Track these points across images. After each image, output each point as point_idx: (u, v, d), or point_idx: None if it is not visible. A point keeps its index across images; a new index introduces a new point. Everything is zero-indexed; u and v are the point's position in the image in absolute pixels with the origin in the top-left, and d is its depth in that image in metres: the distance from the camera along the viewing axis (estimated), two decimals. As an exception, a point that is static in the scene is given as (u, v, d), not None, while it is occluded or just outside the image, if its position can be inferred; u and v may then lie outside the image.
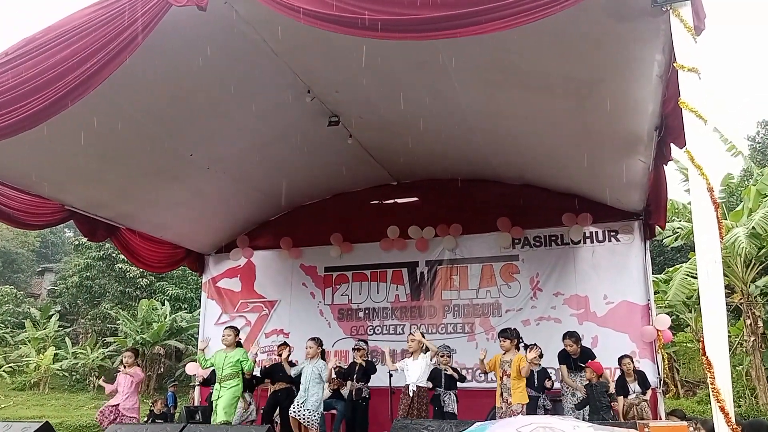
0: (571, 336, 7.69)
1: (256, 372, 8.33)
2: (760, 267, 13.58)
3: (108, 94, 6.08)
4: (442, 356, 7.70)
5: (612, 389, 7.50)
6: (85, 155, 7.26)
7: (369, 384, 8.00)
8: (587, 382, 7.29)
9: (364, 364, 7.93)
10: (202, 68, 6.16)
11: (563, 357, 7.70)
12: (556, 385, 8.04)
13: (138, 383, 8.25)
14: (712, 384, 3.66)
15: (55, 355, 19.84)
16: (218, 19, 5.41)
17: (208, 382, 8.18)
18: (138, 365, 8.65)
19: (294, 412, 7.19)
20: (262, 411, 8.27)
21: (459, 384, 7.60)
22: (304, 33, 5.27)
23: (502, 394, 6.52)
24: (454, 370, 7.63)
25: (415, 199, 10.40)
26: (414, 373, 7.12)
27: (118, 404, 7.98)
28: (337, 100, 7.31)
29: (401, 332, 9.77)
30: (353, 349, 8.37)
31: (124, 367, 8.30)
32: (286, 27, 5.31)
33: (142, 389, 19.18)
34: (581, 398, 7.28)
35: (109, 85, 5.82)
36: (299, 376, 7.45)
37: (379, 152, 9.12)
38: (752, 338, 13.13)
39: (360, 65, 6.32)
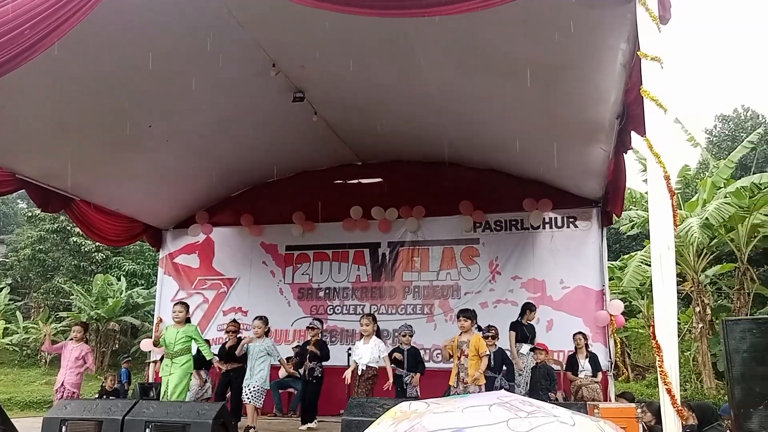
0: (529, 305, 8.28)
1: (215, 350, 8.26)
2: (711, 257, 14.06)
3: (64, 61, 5.85)
4: (404, 336, 7.74)
5: (556, 372, 7.72)
6: (39, 123, 7.00)
7: (324, 363, 7.98)
8: (534, 364, 7.46)
9: (314, 348, 7.88)
10: (164, 37, 5.98)
11: (515, 324, 8.05)
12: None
13: (90, 358, 8.06)
14: (660, 367, 3.76)
15: (5, 329, 19.27)
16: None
17: None
18: (86, 340, 8.44)
19: (245, 396, 7.28)
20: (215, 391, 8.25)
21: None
22: (271, 4, 5.16)
23: (458, 374, 6.57)
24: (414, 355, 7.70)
25: (380, 179, 10.37)
26: (364, 355, 7.11)
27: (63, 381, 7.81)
28: (302, 75, 7.18)
29: (361, 312, 9.77)
30: (307, 327, 8.31)
31: (72, 341, 8.10)
32: (252, -2, 5.18)
33: (96, 365, 18.86)
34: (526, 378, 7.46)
35: (66, 50, 5.60)
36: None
37: (345, 131, 9.04)
38: (700, 325, 13.61)
39: (327, 41, 6.23)
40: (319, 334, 8.15)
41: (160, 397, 6.89)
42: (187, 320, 7.36)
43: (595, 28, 4.94)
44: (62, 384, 7.78)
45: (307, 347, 7.97)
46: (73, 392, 7.73)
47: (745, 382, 3.72)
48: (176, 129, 8.04)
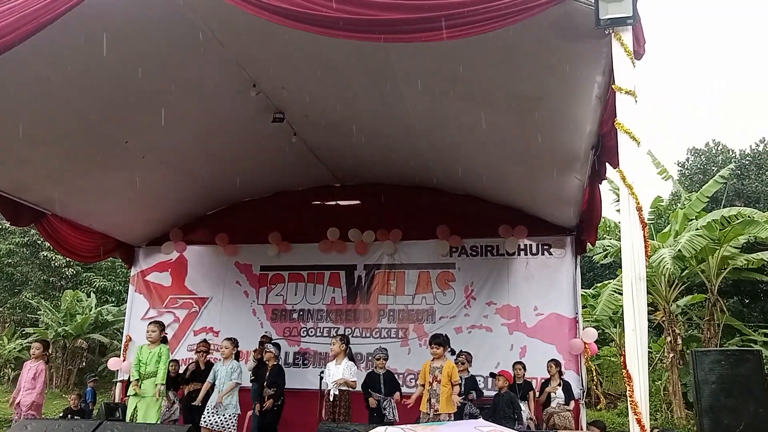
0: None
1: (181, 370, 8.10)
2: (683, 287, 14.26)
3: (39, 73, 5.81)
4: (378, 359, 7.67)
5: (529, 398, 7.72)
6: (10, 134, 6.87)
7: (287, 386, 7.84)
8: (497, 391, 7.44)
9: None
10: (144, 52, 5.96)
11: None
12: (488, 393, 8.17)
13: (41, 377, 7.67)
14: (630, 396, 3.78)
15: (-32, 344, 18.76)
16: (164, 3, 5.25)
17: None
18: (47, 359, 8.11)
19: (205, 421, 7.05)
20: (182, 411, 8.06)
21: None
22: (253, 26, 5.17)
23: (429, 400, 6.50)
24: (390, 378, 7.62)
25: (357, 202, 10.36)
26: (335, 375, 6.96)
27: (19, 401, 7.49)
28: (283, 97, 7.19)
29: (335, 335, 9.71)
30: (263, 351, 8.10)
31: (31, 359, 7.83)
32: (235, 18, 5.19)
33: (61, 384, 18.35)
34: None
35: (42, 62, 5.58)
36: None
37: (324, 153, 9.05)
38: (671, 355, 13.74)
39: (308, 63, 6.26)
40: (276, 358, 7.93)
41: (126, 420, 6.69)
42: (164, 339, 7.17)
43: (572, 60, 5.04)
44: (18, 403, 7.48)
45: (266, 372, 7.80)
46: (31, 414, 7.33)
47: (714, 414, 3.75)
48: (153, 145, 7.96)
